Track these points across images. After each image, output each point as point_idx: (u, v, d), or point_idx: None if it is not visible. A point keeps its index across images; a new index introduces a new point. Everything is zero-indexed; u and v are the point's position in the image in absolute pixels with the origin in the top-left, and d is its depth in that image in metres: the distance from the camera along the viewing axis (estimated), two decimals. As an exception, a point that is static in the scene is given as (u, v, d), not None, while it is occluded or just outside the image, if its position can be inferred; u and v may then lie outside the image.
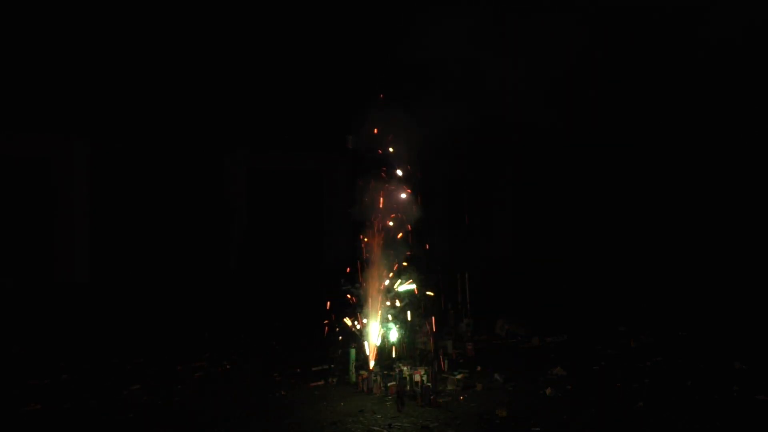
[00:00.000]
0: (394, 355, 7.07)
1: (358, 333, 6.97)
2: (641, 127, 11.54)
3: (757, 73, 10.32)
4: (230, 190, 12.45)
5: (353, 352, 6.79)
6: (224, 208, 12.23)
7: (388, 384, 6.35)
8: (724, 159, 11.39)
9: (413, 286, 7.15)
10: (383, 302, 6.99)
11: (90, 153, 10.97)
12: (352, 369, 6.72)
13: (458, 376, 6.67)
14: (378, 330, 6.93)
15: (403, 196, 7.14)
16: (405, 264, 7.11)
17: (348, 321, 7.00)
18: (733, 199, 11.33)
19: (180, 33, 11.03)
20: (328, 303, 7.21)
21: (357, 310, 6.99)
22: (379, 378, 6.44)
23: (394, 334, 7.08)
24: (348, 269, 7.12)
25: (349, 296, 7.06)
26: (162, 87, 11.12)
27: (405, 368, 6.46)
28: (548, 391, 6.30)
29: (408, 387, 6.22)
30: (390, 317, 7.04)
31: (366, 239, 7.06)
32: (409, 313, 7.11)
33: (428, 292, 7.31)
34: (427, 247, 7.35)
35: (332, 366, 7.29)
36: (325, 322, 7.22)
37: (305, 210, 13.14)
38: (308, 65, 11.99)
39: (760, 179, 11.12)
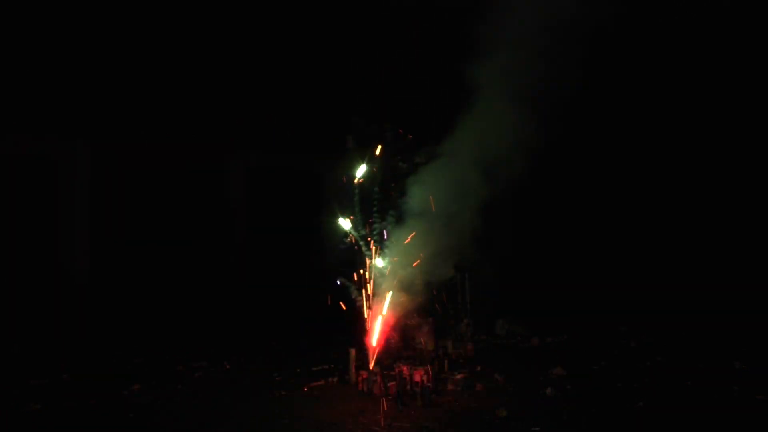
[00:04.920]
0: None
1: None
2: (642, 122, 11.52)
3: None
4: (230, 190, 12.45)
5: (353, 352, 6.80)
6: (224, 207, 12.23)
7: (388, 384, 6.35)
8: (724, 157, 11.38)
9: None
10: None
11: (91, 153, 10.96)
12: (352, 369, 6.72)
13: (458, 376, 6.67)
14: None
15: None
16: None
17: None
18: (734, 198, 11.32)
19: (180, 33, 11.03)
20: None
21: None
22: (379, 378, 6.44)
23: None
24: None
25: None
26: (163, 87, 11.12)
27: (405, 368, 6.47)
28: (548, 391, 6.30)
29: (408, 387, 6.23)
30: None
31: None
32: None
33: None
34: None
35: (332, 366, 7.30)
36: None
37: (305, 210, 13.13)
38: (308, 65, 11.99)
39: (760, 179, 11.11)
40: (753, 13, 9.06)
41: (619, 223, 11.97)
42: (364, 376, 6.48)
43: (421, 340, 7.81)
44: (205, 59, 11.37)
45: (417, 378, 6.28)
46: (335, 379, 6.83)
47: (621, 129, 11.50)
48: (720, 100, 10.86)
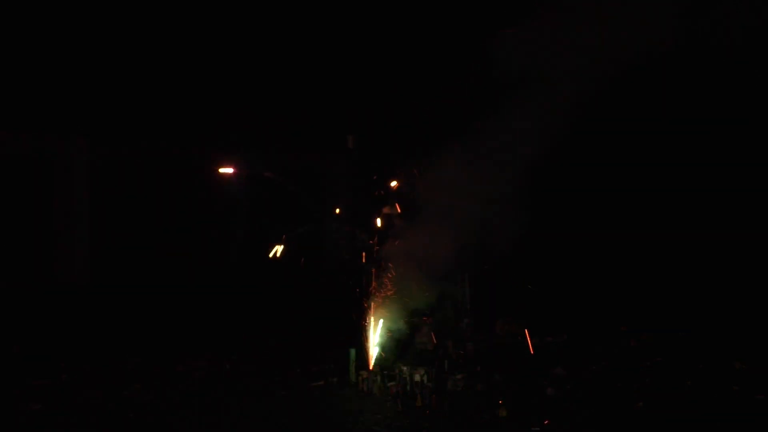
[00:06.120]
0: None
1: None
2: (642, 123, 11.47)
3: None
4: (230, 190, 12.44)
5: (353, 352, 6.79)
6: (224, 207, 12.22)
7: (388, 384, 6.35)
8: (725, 159, 11.36)
9: None
10: None
11: (90, 153, 10.96)
12: (352, 369, 6.72)
13: (458, 376, 6.66)
14: None
15: None
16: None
17: None
18: (734, 198, 11.30)
19: (180, 33, 11.02)
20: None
21: None
22: (379, 378, 6.44)
23: None
24: None
25: None
26: (162, 87, 11.11)
27: (405, 368, 6.47)
28: (548, 391, 6.30)
29: (408, 387, 6.22)
30: None
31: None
32: None
33: None
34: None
35: (332, 366, 7.30)
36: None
37: (305, 210, 13.12)
38: (308, 65, 11.99)
39: (760, 180, 11.09)
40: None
41: (619, 221, 11.95)
42: (364, 376, 6.47)
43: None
44: (205, 59, 11.37)
45: (417, 378, 6.27)
46: (335, 379, 6.83)
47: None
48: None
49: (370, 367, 6.76)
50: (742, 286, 10.32)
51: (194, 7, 10.99)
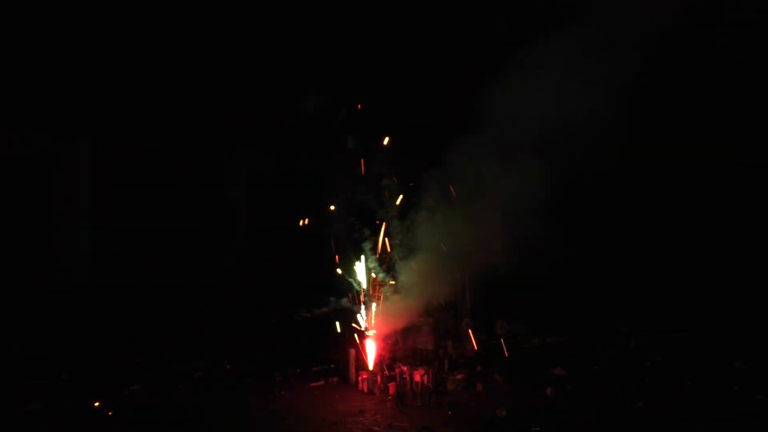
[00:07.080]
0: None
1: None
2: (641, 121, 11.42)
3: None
4: (230, 190, 12.46)
5: (353, 352, 6.80)
6: (224, 208, 12.25)
7: (388, 384, 6.35)
8: (723, 158, 11.35)
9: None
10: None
11: (91, 153, 10.97)
12: (352, 369, 6.72)
13: (458, 376, 6.67)
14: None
15: None
16: None
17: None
18: (733, 197, 11.30)
19: (181, 33, 11.04)
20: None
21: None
22: (379, 378, 6.45)
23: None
24: None
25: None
26: (163, 87, 11.13)
27: (405, 368, 6.47)
28: (548, 391, 6.30)
29: (408, 387, 6.23)
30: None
31: None
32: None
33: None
34: None
35: (332, 366, 7.30)
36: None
37: (305, 210, 13.14)
38: (307, 65, 12.00)
39: (760, 179, 11.09)
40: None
41: (620, 221, 11.94)
42: (364, 376, 6.48)
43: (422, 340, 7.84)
44: (206, 58, 11.38)
45: (417, 378, 6.28)
46: (335, 379, 6.83)
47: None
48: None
49: (370, 367, 6.76)
50: (742, 286, 10.33)
51: (196, 7, 11.01)
